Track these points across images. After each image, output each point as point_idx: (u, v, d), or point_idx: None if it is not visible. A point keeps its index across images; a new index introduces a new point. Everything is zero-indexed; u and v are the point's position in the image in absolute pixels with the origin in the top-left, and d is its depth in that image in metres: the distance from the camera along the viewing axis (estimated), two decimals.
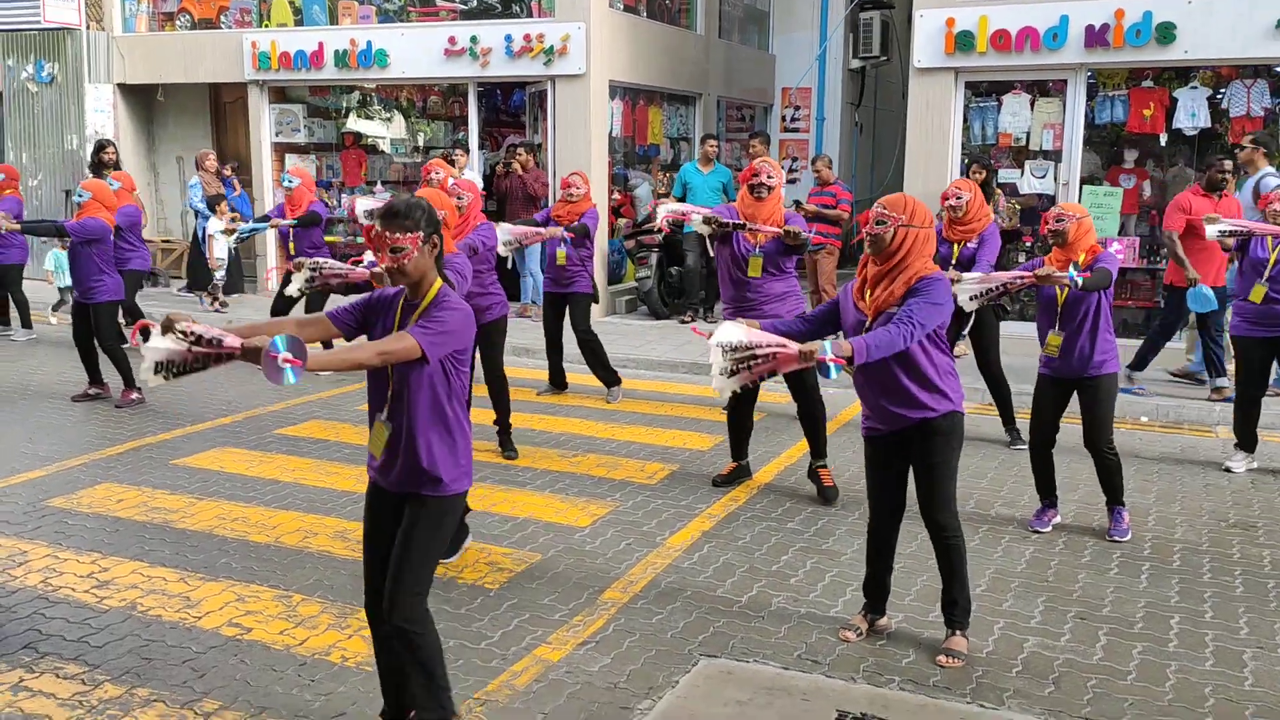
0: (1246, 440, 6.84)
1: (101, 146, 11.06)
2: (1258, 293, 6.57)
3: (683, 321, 11.85)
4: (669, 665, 4.18)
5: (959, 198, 6.95)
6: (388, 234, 3.22)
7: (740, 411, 6.46)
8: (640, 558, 5.28)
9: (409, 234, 3.23)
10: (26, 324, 10.87)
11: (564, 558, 5.27)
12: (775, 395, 7.99)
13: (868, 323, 4.07)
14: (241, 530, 5.55)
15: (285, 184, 9.34)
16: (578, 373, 8.81)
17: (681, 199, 10.98)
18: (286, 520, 5.70)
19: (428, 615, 3.41)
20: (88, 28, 13.87)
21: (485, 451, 6.80)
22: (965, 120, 10.55)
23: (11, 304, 10.90)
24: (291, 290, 6.16)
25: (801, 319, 4.40)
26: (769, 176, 6.11)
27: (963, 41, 10.09)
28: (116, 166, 10.89)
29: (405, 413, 3.30)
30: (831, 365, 3.68)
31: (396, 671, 3.51)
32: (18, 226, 8.68)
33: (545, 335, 8.53)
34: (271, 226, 9.70)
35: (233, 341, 2.92)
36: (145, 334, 2.98)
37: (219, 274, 12.22)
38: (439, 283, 3.33)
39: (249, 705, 3.83)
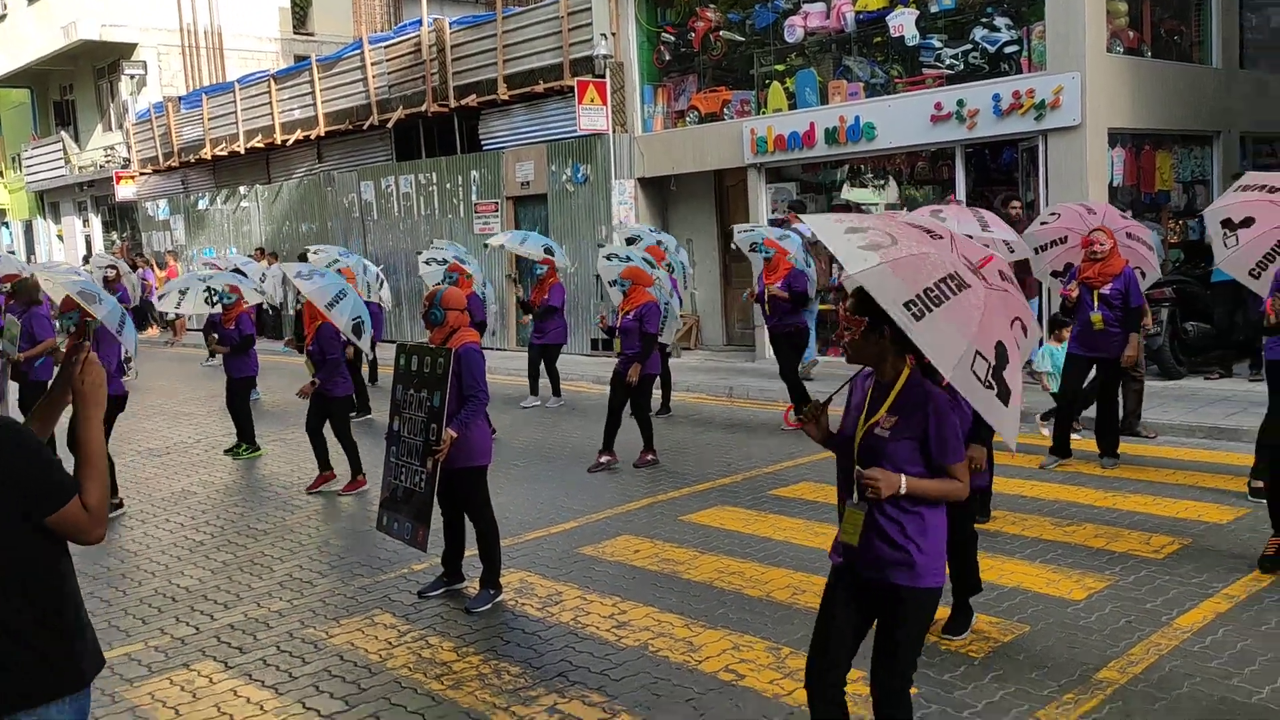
0: None
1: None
2: None
3: (1207, 378, 10.79)
4: None
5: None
6: (849, 311, 3.43)
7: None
8: (1142, 637, 4.93)
9: (856, 315, 3.40)
10: (556, 393, 12.41)
11: (1055, 631, 5.06)
12: None
13: None
14: (738, 584, 5.97)
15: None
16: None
17: None
18: (778, 576, 6.04)
19: (910, 704, 3.49)
20: (614, 132, 15.80)
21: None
22: None
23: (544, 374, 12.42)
24: None
25: None
26: None
27: None
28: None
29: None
30: None
31: None
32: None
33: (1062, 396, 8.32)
34: None
35: None
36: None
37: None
38: (907, 369, 3.39)
39: None
